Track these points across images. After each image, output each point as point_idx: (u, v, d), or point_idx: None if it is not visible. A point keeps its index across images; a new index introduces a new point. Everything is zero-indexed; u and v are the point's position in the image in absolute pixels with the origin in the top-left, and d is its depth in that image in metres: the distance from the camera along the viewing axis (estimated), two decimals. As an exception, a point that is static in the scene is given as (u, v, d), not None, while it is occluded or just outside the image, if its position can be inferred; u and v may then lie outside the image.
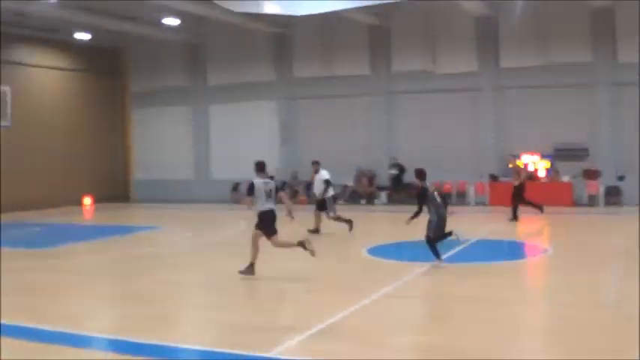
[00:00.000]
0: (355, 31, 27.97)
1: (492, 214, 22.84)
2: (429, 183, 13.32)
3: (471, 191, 26.39)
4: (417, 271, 12.34)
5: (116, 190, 32.82)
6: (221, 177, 30.92)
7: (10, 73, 26.88)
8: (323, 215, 18.08)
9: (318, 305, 10.06)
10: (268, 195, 11.97)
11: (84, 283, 12.35)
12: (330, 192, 18.14)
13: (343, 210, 25.55)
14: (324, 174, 18.27)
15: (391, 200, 27.28)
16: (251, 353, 7.60)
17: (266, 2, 22.44)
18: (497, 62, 26.23)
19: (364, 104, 28.70)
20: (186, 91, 32.14)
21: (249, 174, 29.63)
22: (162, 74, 32.46)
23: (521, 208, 20.24)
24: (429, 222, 12.82)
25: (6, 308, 10.06)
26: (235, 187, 29.98)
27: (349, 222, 18.00)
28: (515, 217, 19.99)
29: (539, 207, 20.69)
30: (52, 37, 29.23)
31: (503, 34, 25.91)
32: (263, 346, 7.82)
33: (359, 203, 27.41)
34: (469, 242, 15.30)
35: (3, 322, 9.15)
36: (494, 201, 24.91)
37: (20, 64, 28.45)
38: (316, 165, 18.68)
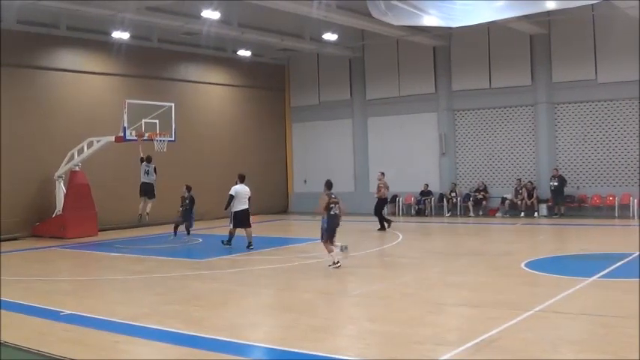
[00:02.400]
0: (516, 40, 27.57)
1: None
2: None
3: (634, 203, 25.21)
4: (578, 285, 12.06)
5: (276, 202, 33.84)
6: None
7: (175, 90, 28.45)
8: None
9: (477, 319, 10.08)
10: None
11: (244, 293, 12.89)
12: (234, 207, 18.68)
13: (503, 222, 25.44)
14: (232, 189, 18.92)
15: (551, 212, 26.61)
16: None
17: (424, 15, 22.45)
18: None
19: (524, 115, 28.16)
20: (346, 105, 32.72)
21: (407, 186, 29.82)
22: (322, 88, 33.35)
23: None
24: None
25: (166, 315, 10.81)
26: (393, 199, 30.30)
27: (230, 241, 19.07)
28: None
29: None
30: (217, 54, 30.76)
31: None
32: (419, 358, 7.99)
33: (518, 216, 26.89)
34: (632, 257, 14.74)
35: (160, 327, 9.86)
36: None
37: (186, 81, 29.90)
38: (237, 179, 19.39)
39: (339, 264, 14.81)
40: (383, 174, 24.62)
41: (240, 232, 18.90)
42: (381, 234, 22.65)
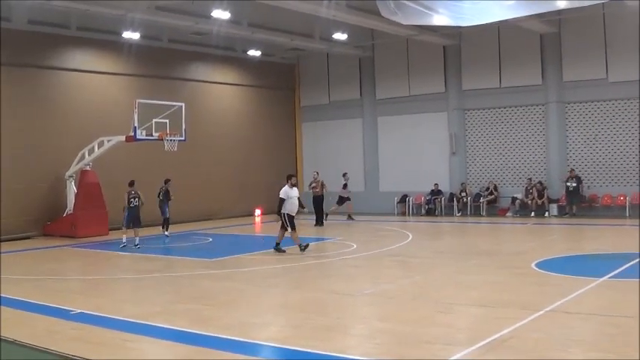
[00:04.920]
0: (526, 39, 27.47)
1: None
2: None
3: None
4: (588, 285, 11.99)
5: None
6: (388, 189, 31.24)
7: (185, 89, 28.42)
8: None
9: (488, 319, 10.04)
10: None
11: (254, 292, 12.85)
12: (285, 209, 17.57)
13: (514, 222, 25.35)
14: (282, 191, 17.80)
15: (562, 212, 26.51)
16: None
17: (434, 14, 22.41)
18: None
19: (535, 114, 28.04)
20: (356, 104, 32.68)
21: (417, 186, 29.69)
22: (332, 88, 33.34)
23: None
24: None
25: (175, 314, 10.85)
26: (403, 199, 30.26)
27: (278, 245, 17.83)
28: None
29: None
30: (227, 54, 30.75)
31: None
32: (430, 358, 7.97)
33: (529, 216, 26.79)
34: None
35: (169, 326, 9.89)
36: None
37: (196, 80, 29.92)
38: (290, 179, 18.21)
39: (125, 245, 19.48)
40: (318, 173, 26.79)
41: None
42: (390, 233, 22.60)
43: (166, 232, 22.66)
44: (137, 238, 19.73)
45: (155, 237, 22.50)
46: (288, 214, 17.57)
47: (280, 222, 17.76)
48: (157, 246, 20.81)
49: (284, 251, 17.62)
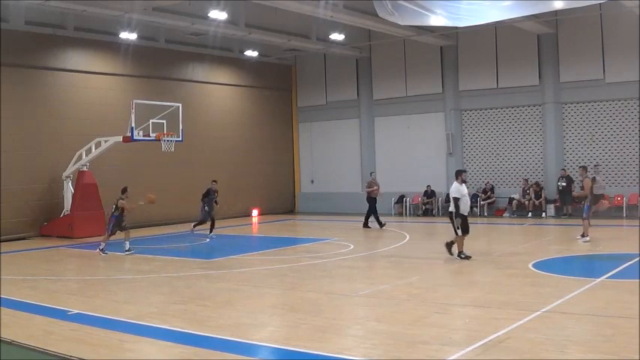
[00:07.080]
0: (523, 40, 27.51)
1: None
2: None
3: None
4: (585, 286, 12.01)
5: (283, 202, 33.89)
6: (385, 190, 31.21)
7: (182, 90, 28.45)
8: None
9: (484, 319, 10.05)
10: None
11: (250, 293, 12.84)
12: (453, 207, 16.03)
13: (510, 222, 25.36)
14: (453, 190, 16.06)
15: (560, 213, 26.54)
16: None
17: (431, 15, 22.41)
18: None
19: (532, 115, 28.10)
20: (353, 105, 32.69)
21: (414, 187, 29.67)
22: (328, 88, 33.36)
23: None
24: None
25: (172, 315, 10.86)
26: (400, 200, 30.26)
27: (450, 245, 16.19)
28: None
29: None
30: (224, 55, 30.74)
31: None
32: (426, 358, 7.99)
33: (526, 216, 26.82)
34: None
35: (166, 327, 9.89)
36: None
37: (193, 81, 29.89)
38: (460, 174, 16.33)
39: (106, 252, 18.47)
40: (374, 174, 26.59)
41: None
42: (387, 233, 22.59)
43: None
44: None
45: (157, 237, 22.53)
46: (461, 214, 15.98)
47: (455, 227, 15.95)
48: (154, 246, 20.79)
49: (469, 257, 15.87)
